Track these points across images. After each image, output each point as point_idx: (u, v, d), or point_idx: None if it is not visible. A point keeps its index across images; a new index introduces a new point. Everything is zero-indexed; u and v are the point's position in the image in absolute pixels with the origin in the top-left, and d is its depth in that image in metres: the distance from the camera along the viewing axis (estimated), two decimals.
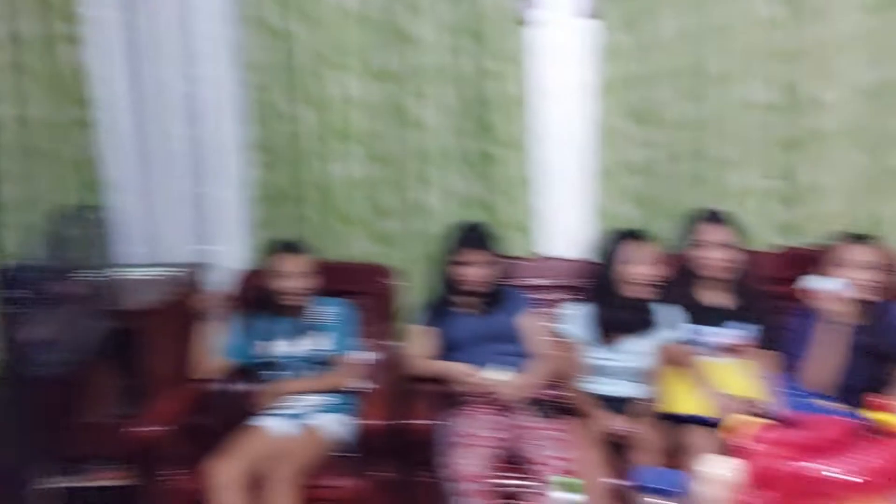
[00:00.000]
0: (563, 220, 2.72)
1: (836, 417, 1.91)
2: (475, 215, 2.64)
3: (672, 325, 2.33)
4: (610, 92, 2.59)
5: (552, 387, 2.32)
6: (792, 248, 2.58)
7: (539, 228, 2.71)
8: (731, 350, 2.32)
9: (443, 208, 2.68)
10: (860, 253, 2.19)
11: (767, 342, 2.32)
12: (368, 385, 2.44)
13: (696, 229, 2.38)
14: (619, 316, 2.31)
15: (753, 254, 2.46)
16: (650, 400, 2.25)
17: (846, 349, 2.18)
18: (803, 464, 1.70)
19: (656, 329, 2.33)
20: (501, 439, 2.22)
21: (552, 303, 2.48)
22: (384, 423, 2.20)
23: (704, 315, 2.34)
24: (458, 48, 2.58)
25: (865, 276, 2.17)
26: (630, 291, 2.29)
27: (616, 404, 2.27)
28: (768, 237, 2.61)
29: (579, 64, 2.62)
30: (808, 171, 2.59)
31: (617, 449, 2.16)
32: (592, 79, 2.59)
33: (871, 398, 1.88)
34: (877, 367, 2.17)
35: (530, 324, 2.44)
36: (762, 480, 1.72)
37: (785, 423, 1.83)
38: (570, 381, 2.31)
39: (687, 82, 2.56)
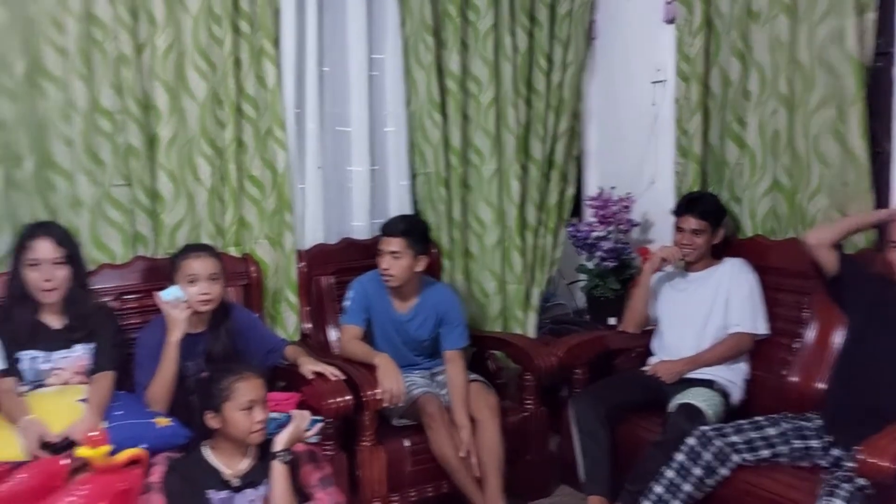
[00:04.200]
0: None
1: (39, 462, 1.74)
2: None
3: None
4: None
5: None
6: (141, 259, 2.57)
7: None
8: (65, 374, 2.18)
9: None
10: (197, 264, 2.24)
11: (107, 362, 2.21)
12: None
13: (27, 246, 2.15)
14: None
15: (101, 266, 2.47)
16: None
17: (189, 360, 2.22)
18: None
19: None
20: None
21: None
22: None
23: (34, 339, 2.16)
24: None
25: (203, 288, 2.23)
26: None
27: None
28: (114, 248, 2.55)
29: None
30: (151, 180, 2.58)
31: None
32: None
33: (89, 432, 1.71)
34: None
35: None
36: None
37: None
38: None
39: (7, 77, 2.36)
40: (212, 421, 1.95)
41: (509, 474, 2.53)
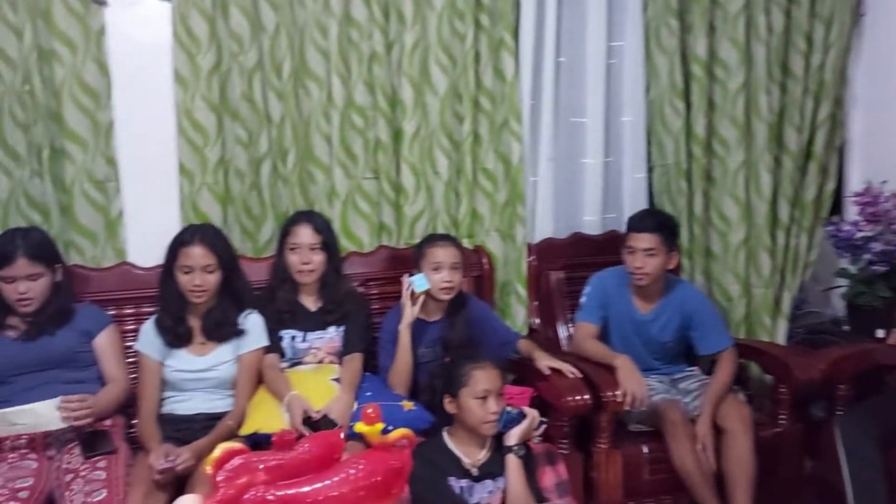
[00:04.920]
0: (150, 221, 2.48)
1: (321, 434, 1.74)
2: (37, 220, 2.37)
3: (256, 331, 2.23)
4: (191, 83, 2.42)
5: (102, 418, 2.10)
6: (384, 248, 2.65)
7: (124, 232, 2.48)
8: (320, 354, 2.30)
9: None
10: (442, 253, 2.30)
11: (357, 344, 2.30)
12: None
13: (290, 231, 2.30)
14: (187, 322, 2.20)
15: (350, 254, 2.59)
16: (235, 417, 2.13)
17: (425, 346, 2.31)
18: (273, 490, 1.47)
19: (240, 336, 2.21)
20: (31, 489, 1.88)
21: (137, 317, 2.33)
22: None
23: (294, 319, 2.30)
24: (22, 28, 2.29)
25: (445, 276, 2.28)
26: (193, 297, 2.16)
27: (200, 423, 2.12)
28: (362, 237, 2.64)
29: (160, 51, 2.43)
30: (395, 174, 2.66)
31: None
32: (173, 68, 2.42)
33: (366, 409, 1.61)
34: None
35: (108, 344, 2.18)
36: None
37: (279, 444, 1.56)
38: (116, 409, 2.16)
39: (276, 78, 2.53)
40: (449, 405, 1.99)
41: (757, 494, 2.31)
